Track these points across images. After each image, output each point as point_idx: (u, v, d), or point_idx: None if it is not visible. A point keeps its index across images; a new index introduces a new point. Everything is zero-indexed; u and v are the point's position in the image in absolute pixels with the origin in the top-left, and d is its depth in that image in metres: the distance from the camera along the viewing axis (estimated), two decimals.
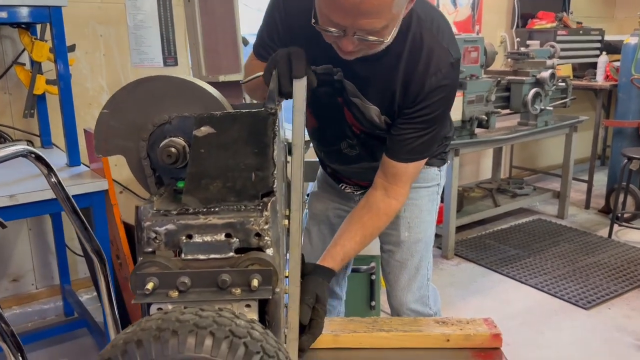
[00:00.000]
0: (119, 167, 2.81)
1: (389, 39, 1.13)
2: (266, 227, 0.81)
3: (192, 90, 1.04)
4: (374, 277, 2.49)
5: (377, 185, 1.44)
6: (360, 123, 1.45)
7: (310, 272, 1.32)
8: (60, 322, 2.89)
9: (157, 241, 0.81)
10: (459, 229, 3.99)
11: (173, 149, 0.97)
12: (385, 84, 1.31)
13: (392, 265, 1.71)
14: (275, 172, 0.89)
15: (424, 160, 1.44)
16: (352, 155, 1.56)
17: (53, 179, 1.26)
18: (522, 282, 3.37)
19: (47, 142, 2.71)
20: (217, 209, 0.83)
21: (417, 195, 1.65)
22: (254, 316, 0.79)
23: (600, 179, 5.03)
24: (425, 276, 1.72)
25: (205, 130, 0.94)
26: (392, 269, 1.72)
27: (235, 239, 0.81)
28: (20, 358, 1.00)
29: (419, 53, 1.27)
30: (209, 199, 0.85)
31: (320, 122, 1.54)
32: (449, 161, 1.78)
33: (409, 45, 1.27)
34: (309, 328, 1.21)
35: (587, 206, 4.72)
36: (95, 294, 2.99)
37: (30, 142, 2.75)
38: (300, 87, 1.05)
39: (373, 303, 2.54)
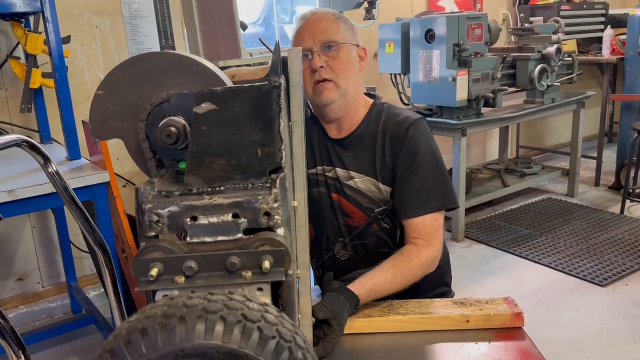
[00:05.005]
0: (120, 160, 2.76)
1: (343, 50, 1.50)
2: (275, 205, 0.76)
3: (190, 66, 0.98)
4: None
5: (406, 244, 1.51)
6: (360, 207, 1.56)
7: (334, 290, 1.33)
8: (68, 320, 2.86)
9: (160, 224, 0.76)
10: (468, 210, 3.93)
11: (173, 128, 0.91)
12: (370, 152, 1.55)
13: None
14: (282, 147, 0.83)
15: (439, 216, 1.51)
16: (344, 260, 1.63)
17: (50, 169, 1.21)
18: (535, 262, 3.32)
19: (46, 138, 2.66)
20: (222, 188, 0.78)
21: None
22: (267, 300, 0.73)
23: (608, 156, 4.96)
24: None
25: (206, 106, 0.88)
26: None
27: (243, 219, 0.75)
28: (22, 356, 0.95)
29: (388, 119, 1.56)
30: (213, 178, 0.80)
31: (317, 228, 1.65)
32: None
33: (381, 122, 1.56)
34: (322, 341, 1.19)
35: (596, 183, 4.65)
36: (102, 290, 2.95)
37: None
38: (295, 56, 0.96)
39: None
